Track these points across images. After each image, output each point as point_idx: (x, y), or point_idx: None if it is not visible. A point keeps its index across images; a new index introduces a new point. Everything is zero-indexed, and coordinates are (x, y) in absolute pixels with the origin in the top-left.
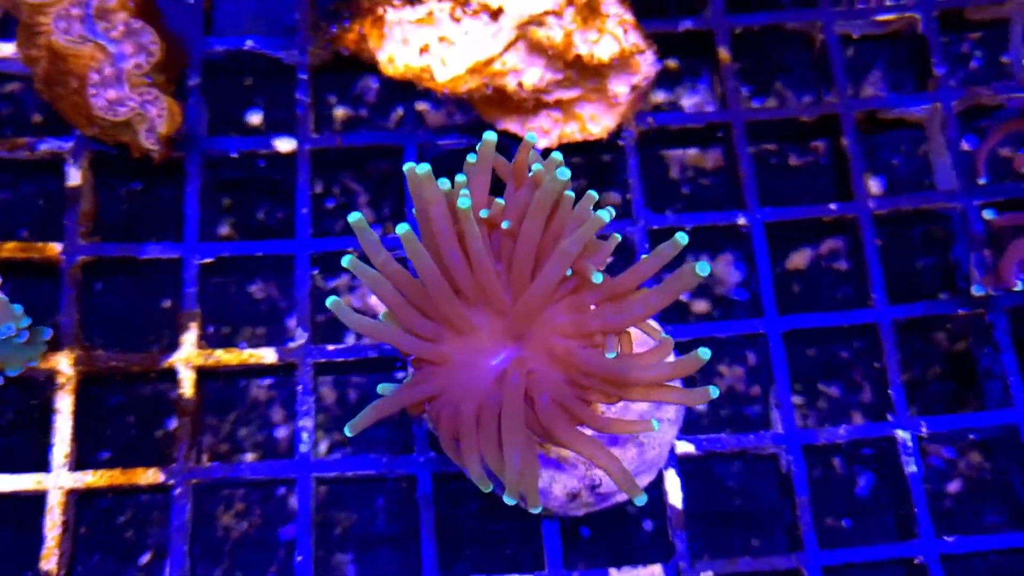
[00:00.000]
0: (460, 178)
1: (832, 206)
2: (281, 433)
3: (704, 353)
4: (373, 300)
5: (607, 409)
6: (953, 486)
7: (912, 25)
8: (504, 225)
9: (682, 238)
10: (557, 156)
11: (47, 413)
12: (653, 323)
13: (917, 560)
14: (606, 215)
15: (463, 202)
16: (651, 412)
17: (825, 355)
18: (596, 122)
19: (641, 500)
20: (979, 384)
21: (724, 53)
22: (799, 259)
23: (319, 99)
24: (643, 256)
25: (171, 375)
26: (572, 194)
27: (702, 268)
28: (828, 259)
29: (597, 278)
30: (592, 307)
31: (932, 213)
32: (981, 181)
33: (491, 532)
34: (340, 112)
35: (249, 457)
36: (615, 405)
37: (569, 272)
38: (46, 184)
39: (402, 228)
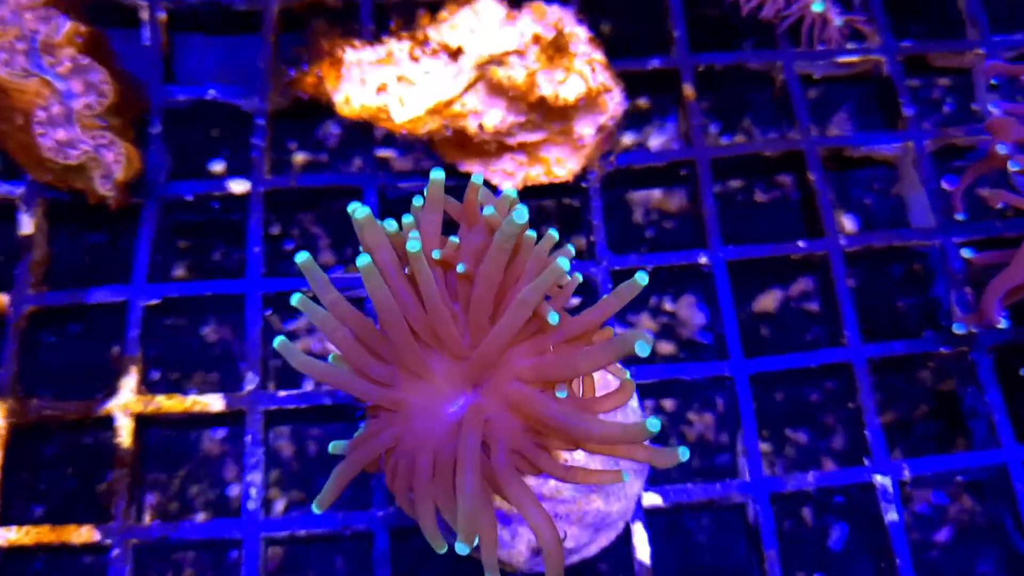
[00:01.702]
0: (407, 219)
1: (800, 243)
2: (234, 491)
3: (653, 425)
4: (331, 344)
5: (570, 457)
6: (942, 535)
7: (877, 67)
8: (460, 268)
9: (642, 278)
10: (511, 194)
11: None
12: (616, 366)
13: None
14: (566, 263)
15: (412, 245)
16: (614, 462)
17: (794, 399)
18: (561, 165)
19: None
20: (965, 424)
21: (689, 90)
22: (768, 301)
23: (280, 145)
24: (603, 296)
25: (108, 423)
26: (533, 234)
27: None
28: (798, 300)
29: (553, 318)
30: (551, 349)
31: (909, 251)
32: (959, 217)
33: None
34: (300, 157)
35: (200, 517)
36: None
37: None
38: None
39: (362, 260)
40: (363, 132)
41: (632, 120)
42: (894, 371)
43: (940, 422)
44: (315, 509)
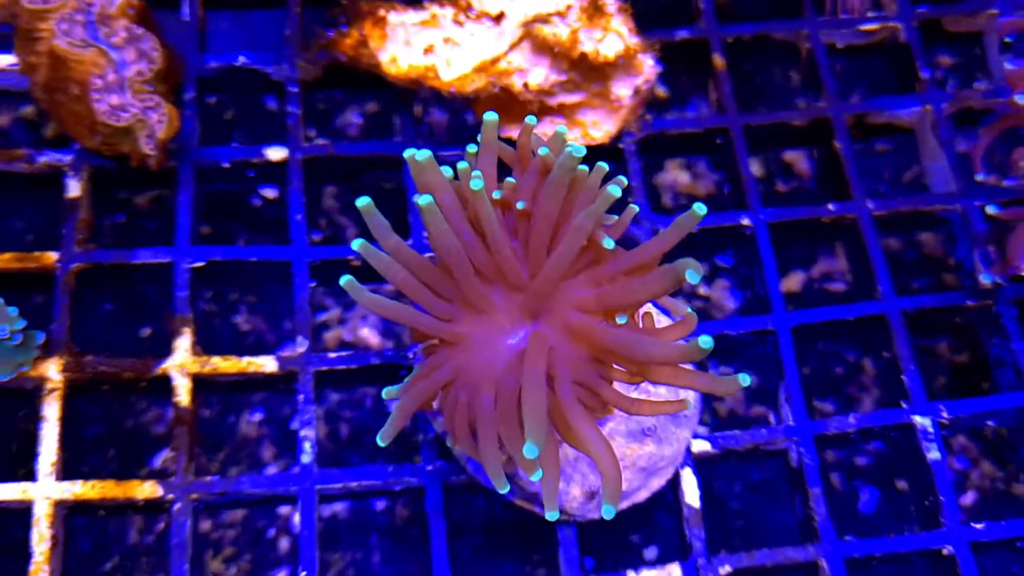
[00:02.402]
0: (462, 165)
1: (830, 206)
2: (272, 471)
3: (705, 343)
4: (364, 332)
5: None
6: (967, 499)
7: (895, 34)
8: (519, 205)
9: (700, 208)
10: (562, 131)
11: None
12: (675, 301)
13: (945, 550)
14: (617, 190)
15: (475, 183)
16: (675, 396)
17: (821, 372)
18: (598, 128)
19: (610, 513)
20: (991, 374)
21: (719, 59)
22: (792, 282)
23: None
24: (663, 229)
25: (164, 385)
26: (587, 168)
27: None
28: (821, 281)
29: (608, 243)
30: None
31: (931, 216)
32: (979, 177)
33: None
34: (320, 143)
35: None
36: (636, 388)
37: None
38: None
39: (424, 199)
40: (383, 122)
41: (651, 108)
42: (922, 330)
43: (967, 375)
44: (379, 442)
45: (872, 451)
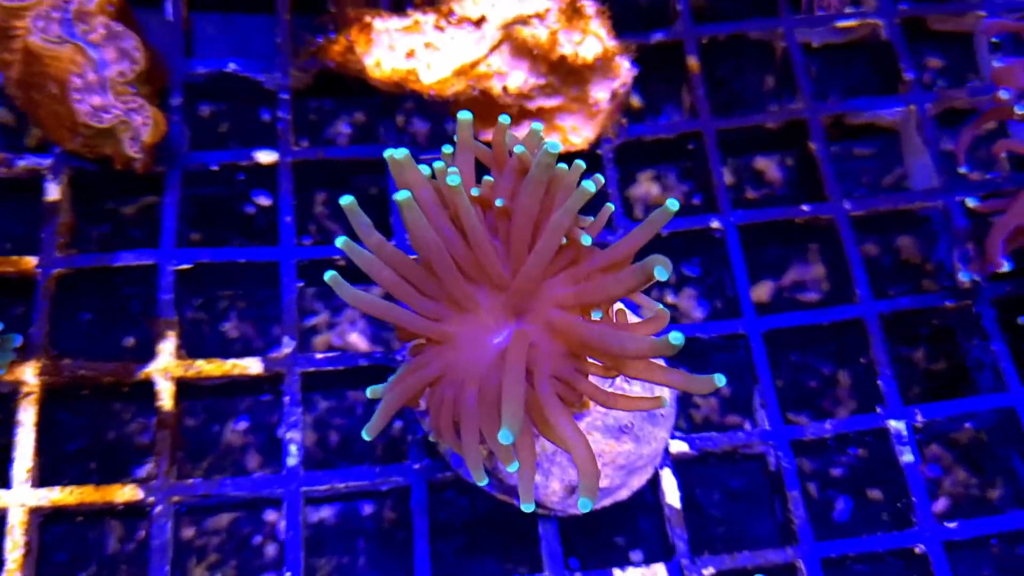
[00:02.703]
0: (438, 164)
1: (804, 207)
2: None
3: (676, 339)
4: (352, 337)
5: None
6: (939, 505)
7: (875, 32)
8: (498, 203)
9: (672, 204)
10: (537, 128)
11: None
12: (648, 299)
13: (918, 549)
14: (592, 185)
15: (452, 179)
16: (651, 393)
17: (794, 384)
18: (577, 133)
19: (586, 506)
20: (971, 377)
21: (693, 62)
22: (761, 292)
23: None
24: (637, 226)
25: (147, 391)
26: (565, 166)
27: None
28: (792, 290)
29: (585, 240)
30: (587, 278)
31: (911, 216)
32: (962, 170)
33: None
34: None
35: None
36: (611, 384)
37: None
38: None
39: (402, 195)
40: (372, 131)
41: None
42: (898, 337)
43: (945, 379)
44: (365, 436)
45: (846, 462)
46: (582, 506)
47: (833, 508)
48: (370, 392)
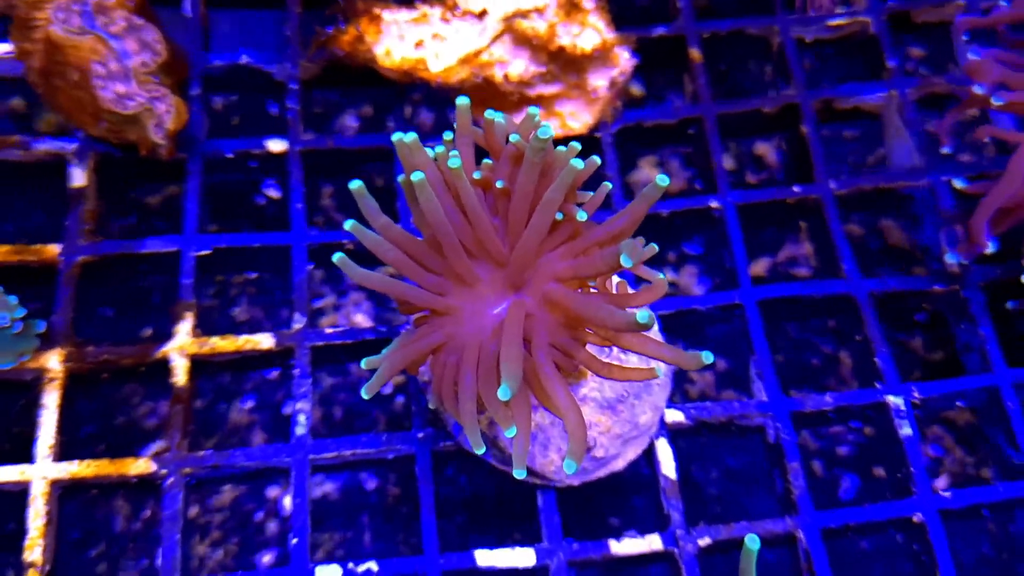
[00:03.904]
0: (440, 149)
1: (795, 188)
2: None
3: (642, 316)
4: (358, 318)
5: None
6: (940, 483)
7: (864, 28)
8: (498, 184)
9: (662, 180)
10: (533, 112)
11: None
12: (648, 269)
13: (916, 518)
14: (580, 163)
15: (452, 162)
16: (641, 386)
17: (794, 363)
18: (576, 118)
19: (571, 468)
20: (959, 360)
21: (695, 53)
22: (758, 268)
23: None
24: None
25: (162, 370)
26: (563, 148)
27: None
28: (786, 265)
29: (581, 216)
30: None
31: (895, 196)
32: (945, 150)
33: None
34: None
35: (227, 486)
36: (608, 355)
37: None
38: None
39: (417, 176)
40: (378, 124)
41: (630, 106)
42: (895, 323)
43: (943, 366)
44: (364, 395)
45: (853, 440)
46: (567, 467)
47: (839, 487)
48: (365, 363)
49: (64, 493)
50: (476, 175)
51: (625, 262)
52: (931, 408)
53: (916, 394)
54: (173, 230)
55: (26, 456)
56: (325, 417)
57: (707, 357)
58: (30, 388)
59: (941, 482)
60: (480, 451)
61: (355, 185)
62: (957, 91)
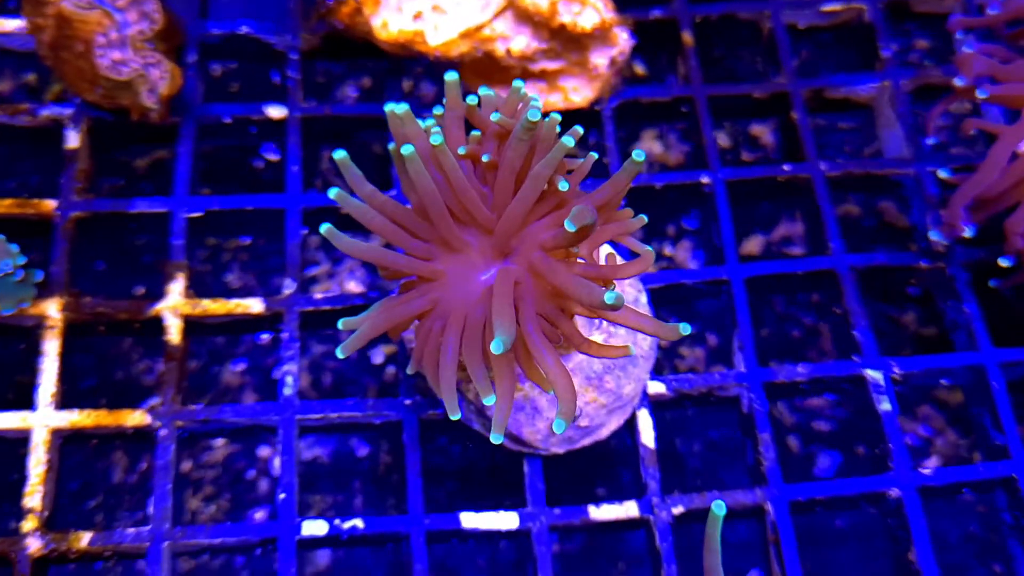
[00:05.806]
0: (429, 122)
1: (786, 167)
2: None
3: (610, 297)
4: (351, 286)
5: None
6: (930, 463)
7: (860, 15)
8: (484, 157)
9: (639, 155)
10: (518, 84)
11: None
12: (636, 241)
13: (892, 493)
14: (571, 140)
15: (435, 138)
16: (633, 339)
17: (779, 336)
18: (578, 92)
19: (561, 428)
20: (949, 338)
21: (688, 37)
22: (752, 245)
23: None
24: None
25: (156, 327)
26: (557, 116)
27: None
28: (780, 244)
29: (563, 185)
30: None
31: (886, 181)
32: (930, 141)
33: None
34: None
35: (220, 441)
36: (599, 327)
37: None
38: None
39: (407, 148)
40: (379, 94)
41: (633, 84)
42: (884, 296)
43: (933, 342)
44: (339, 354)
45: (832, 415)
46: (556, 427)
47: (815, 464)
48: (342, 323)
49: (65, 443)
50: (462, 150)
51: (569, 227)
52: (915, 385)
53: (896, 369)
54: (160, 192)
55: (28, 405)
56: (315, 383)
57: (684, 328)
58: (30, 334)
59: (931, 463)
60: (455, 416)
61: (339, 155)
62: (952, 83)
